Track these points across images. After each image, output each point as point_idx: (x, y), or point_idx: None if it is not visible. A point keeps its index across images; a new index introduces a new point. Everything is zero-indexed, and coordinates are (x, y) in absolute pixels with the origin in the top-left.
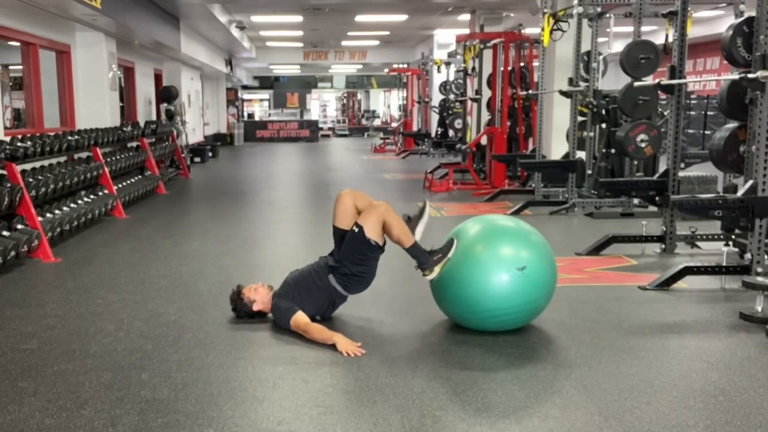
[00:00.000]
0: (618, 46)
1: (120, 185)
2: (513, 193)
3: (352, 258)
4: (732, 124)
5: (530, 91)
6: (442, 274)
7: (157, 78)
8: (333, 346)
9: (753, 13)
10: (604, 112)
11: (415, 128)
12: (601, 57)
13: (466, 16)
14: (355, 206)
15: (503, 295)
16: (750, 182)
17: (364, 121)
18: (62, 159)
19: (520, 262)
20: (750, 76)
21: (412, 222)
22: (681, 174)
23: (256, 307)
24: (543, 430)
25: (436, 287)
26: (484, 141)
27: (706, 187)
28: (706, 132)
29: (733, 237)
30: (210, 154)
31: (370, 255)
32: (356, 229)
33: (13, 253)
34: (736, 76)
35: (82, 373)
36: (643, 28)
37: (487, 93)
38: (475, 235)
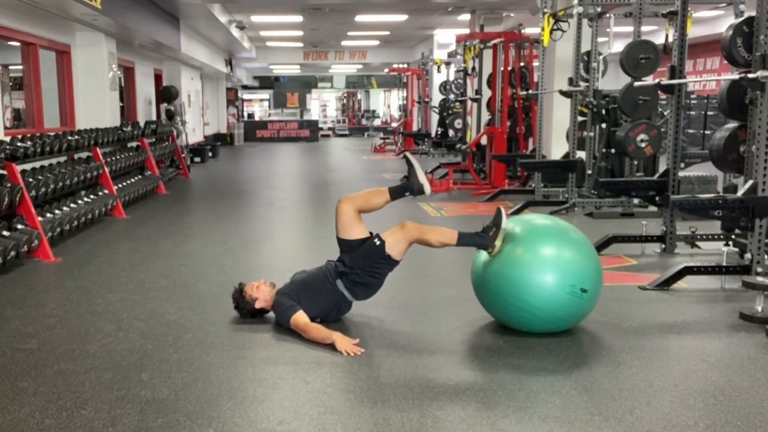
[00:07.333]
0: (618, 46)
1: (120, 185)
2: (513, 193)
3: (367, 268)
4: (732, 124)
5: (530, 91)
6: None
7: (157, 78)
8: (332, 346)
9: (753, 13)
10: (604, 112)
11: (415, 128)
12: (601, 57)
13: (466, 16)
14: (355, 210)
15: (566, 306)
16: (750, 182)
17: (364, 121)
18: (62, 159)
19: (585, 284)
20: (750, 76)
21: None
22: (681, 174)
23: (258, 305)
24: (543, 430)
25: (498, 277)
26: (484, 141)
27: (706, 187)
28: (706, 132)
29: (733, 237)
30: (210, 154)
31: (386, 269)
32: (377, 242)
33: (13, 253)
34: (736, 76)
35: (82, 373)
36: (643, 28)
37: (487, 93)
38: (542, 237)
